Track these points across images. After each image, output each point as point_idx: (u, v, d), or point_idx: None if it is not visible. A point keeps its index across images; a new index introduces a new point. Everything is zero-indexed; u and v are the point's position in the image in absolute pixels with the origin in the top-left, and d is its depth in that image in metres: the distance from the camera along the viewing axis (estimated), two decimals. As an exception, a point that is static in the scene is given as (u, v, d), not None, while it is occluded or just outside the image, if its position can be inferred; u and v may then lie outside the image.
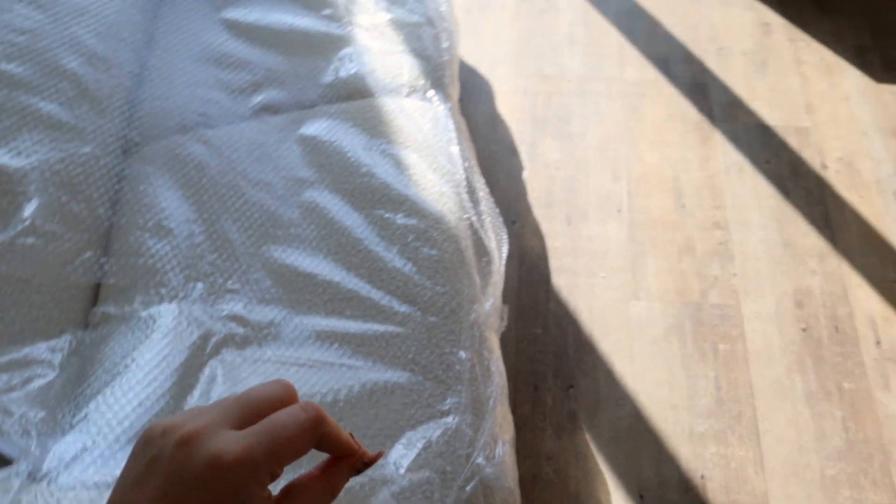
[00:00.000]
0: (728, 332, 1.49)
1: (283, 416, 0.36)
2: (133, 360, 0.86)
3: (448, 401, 0.99)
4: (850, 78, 1.89)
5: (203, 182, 1.08)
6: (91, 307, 0.94)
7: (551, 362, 1.46)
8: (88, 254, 0.96)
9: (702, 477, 1.32)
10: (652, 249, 1.60)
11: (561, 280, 1.57)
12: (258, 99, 1.22)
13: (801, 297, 1.53)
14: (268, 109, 1.21)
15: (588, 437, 1.37)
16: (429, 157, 1.23)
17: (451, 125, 1.30)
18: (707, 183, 1.70)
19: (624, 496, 1.30)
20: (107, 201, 1.03)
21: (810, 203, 1.67)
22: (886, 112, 1.83)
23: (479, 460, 0.97)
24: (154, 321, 0.90)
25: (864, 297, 1.53)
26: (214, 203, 1.07)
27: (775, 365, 1.44)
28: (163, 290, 0.95)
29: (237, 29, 1.28)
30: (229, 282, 1.00)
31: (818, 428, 1.37)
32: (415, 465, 0.90)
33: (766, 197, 1.67)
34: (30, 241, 0.92)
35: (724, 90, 1.87)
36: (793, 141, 1.77)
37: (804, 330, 1.49)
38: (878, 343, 1.47)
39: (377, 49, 1.35)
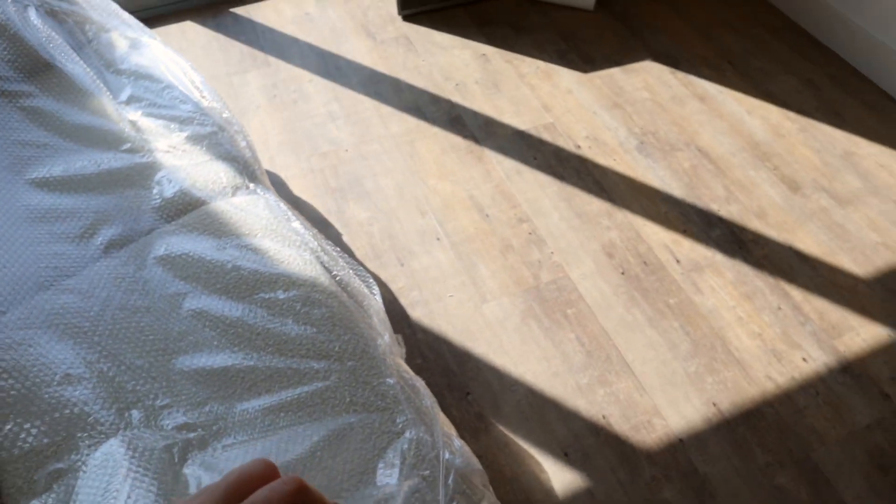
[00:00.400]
0: (568, 298, 1.71)
1: (265, 492, 0.36)
2: (111, 501, 0.86)
3: (398, 420, 1.08)
4: (564, 76, 2.26)
5: (87, 326, 1.08)
6: (33, 475, 0.91)
7: (442, 381, 1.58)
8: (9, 425, 0.93)
9: (603, 416, 1.51)
10: (479, 259, 1.80)
11: (417, 312, 1.70)
12: (99, 240, 1.23)
13: (608, 249, 1.80)
14: (113, 245, 1.23)
15: (501, 427, 1.50)
16: (278, 237, 1.32)
17: (282, 205, 1.41)
18: (497, 191, 1.94)
19: (552, 459, 1.45)
20: (2, 373, 1.00)
21: (581, 177, 1.97)
22: (601, 93, 2.21)
23: (447, 456, 1.07)
24: (111, 457, 0.90)
25: (651, 232, 1.84)
26: (107, 340, 1.07)
27: (615, 307, 1.69)
28: (101, 429, 0.95)
29: (48, 185, 1.29)
30: (158, 400, 1.02)
31: (667, 341, 1.63)
32: (402, 479, 0.98)
33: (547, 185, 1.95)
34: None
35: (476, 115, 2.14)
36: (546, 136, 2.08)
37: (623, 273, 1.75)
38: (678, 261, 1.77)
39: (188, 164, 1.42)
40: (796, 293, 1.71)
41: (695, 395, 1.55)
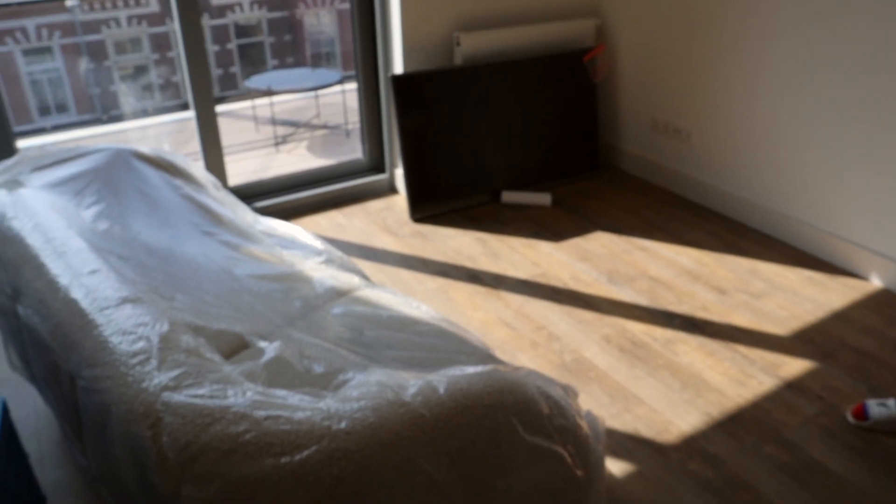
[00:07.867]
0: (588, 367, 2.36)
1: None
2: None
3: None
4: (543, 246, 3.09)
5: (348, 336, 1.68)
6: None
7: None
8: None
9: (635, 429, 2.10)
10: (518, 353, 2.44)
11: (481, 390, 2.30)
12: (297, 305, 1.86)
13: (606, 339, 2.50)
14: (305, 308, 1.86)
15: (565, 442, 2.06)
16: (404, 305, 1.97)
17: (398, 292, 2.07)
18: (517, 314, 2.64)
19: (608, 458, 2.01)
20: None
21: (574, 301, 2.71)
22: (572, 253, 3.04)
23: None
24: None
25: (632, 326, 2.56)
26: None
27: (621, 370, 2.35)
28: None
29: (253, 277, 1.93)
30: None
31: (664, 384, 2.28)
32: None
33: (551, 308, 2.67)
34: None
35: (487, 273, 2.90)
36: (541, 280, 2.84)
37: (620, 350, 2.44)
38: (656, 340, 2.48)
39: (330, 274, 2.09)
40: (742, 348, 2.43)
41: (692, 410, 2.17)
